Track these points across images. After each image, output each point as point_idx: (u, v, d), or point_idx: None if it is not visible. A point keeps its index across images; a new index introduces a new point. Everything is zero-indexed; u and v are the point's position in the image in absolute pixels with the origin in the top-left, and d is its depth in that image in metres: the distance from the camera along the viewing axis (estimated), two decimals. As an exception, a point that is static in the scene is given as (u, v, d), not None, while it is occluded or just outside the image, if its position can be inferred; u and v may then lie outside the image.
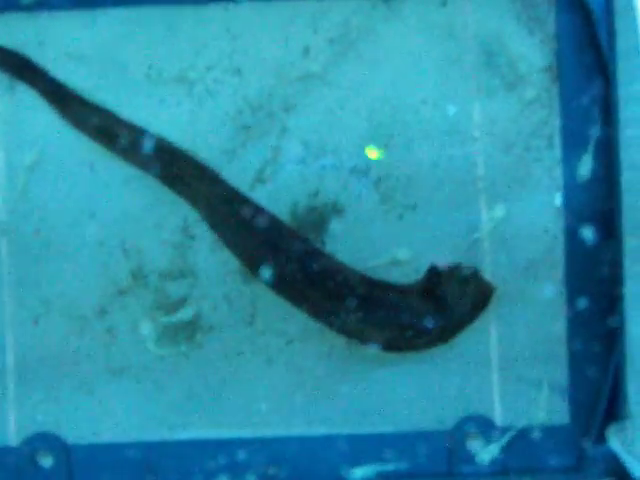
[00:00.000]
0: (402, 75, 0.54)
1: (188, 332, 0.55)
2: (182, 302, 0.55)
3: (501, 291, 0.54)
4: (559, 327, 0.55)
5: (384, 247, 0.54)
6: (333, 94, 0.54)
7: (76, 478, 0.55)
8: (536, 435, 0.54)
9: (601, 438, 0.53)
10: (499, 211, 0.55)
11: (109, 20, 0.54)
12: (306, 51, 0.54)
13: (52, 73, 0.54)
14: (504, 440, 0.54)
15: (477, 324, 0.54)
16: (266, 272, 0.52)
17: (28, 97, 0.54)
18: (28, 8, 0.54)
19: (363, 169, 0.54)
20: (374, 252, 0.54)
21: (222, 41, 0.54)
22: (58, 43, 0.54)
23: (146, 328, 0.54)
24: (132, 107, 0.54)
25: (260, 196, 0.54)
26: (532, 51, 0.54)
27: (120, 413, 0.55)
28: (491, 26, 0.54)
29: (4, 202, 0.55)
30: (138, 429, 0.55)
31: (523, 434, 0.54)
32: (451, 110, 0.54)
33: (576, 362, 0.55)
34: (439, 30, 0.54)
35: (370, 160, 0.54)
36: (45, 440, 0.55)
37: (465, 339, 0.54)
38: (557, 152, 0.54)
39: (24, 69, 0.54)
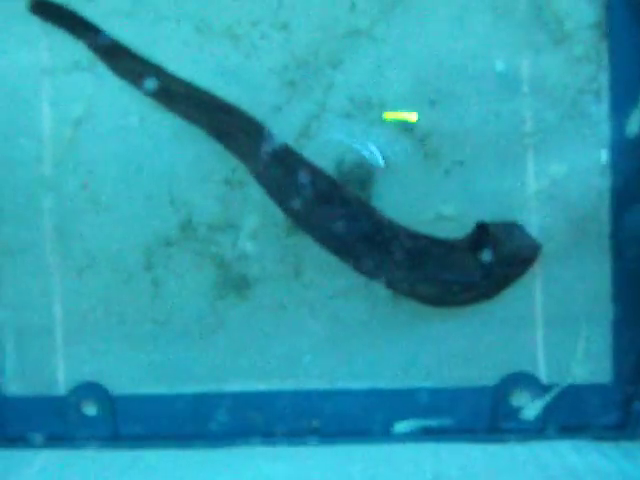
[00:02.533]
0: (449, 30, 0.54)
1: (234, 284, 0.55)
2: (228, 254, 0.55)
3: (547, 248, 0.54)
4: (604, 286, 0.54)
5: (430, 203, 0.54)
6: (380, 49, 0.54)
7: (120, 428, 0.56)
8: (581, 393, 0.54)
9: (646, 396, 0.53)
10: (546, 168, 0.54)
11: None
12: (353, 6, 0.54)
13: (102, 27, 0.54)
14: (548, 397, 0.54)
15: (522, 281, 0.54)
16: (313, 225, 0.52)
17: (76, 50, 0.55)
18: (77, -36, 0.55)
19: (409, 125, 0.54)
20: (420, 208, 0.54)
21: (268, -3, 0.55)
22: (107, -1, 0.55)
23: (192, 280, 0.55)
24: (181, 61, 0.54)
25: (306, 151, 0.54)
26: (581, 6, 0.54)
27: (165, 365, 0.56)
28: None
29: (51, 156, 0.56)
30: (183, 381, 0.56)
31: (568, 391, 0.54)
32: (499, 65, 0.54)
33: (620, 321, 0.54)
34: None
35: (416, 116, 0.54)
36: (91, 390, 0.56)
37: (510, 296, 0.54)
38: (605, 108, 0.54)
39: (75, 24, 0.54)
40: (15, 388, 0.56)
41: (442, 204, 0.54)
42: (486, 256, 0.52)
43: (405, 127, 0.54)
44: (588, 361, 0.55)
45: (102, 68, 0.55)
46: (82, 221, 0.56)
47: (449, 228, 0.54)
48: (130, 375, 0.56)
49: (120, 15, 0.55)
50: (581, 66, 0.54)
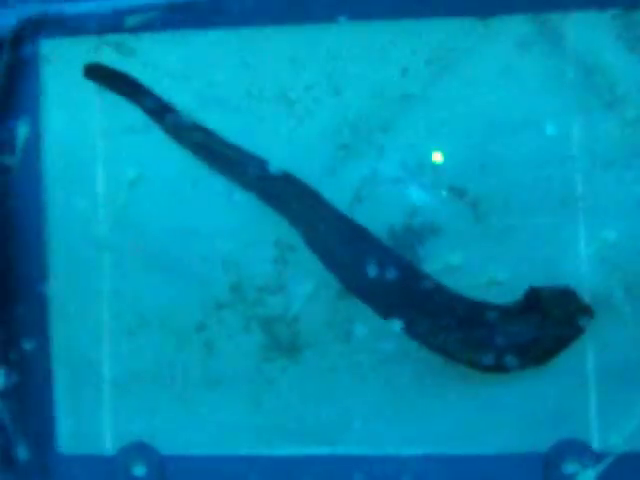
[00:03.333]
0: (500, 94, 0.54)
1: (285, 347, 0.55)
2: (279, 317, 0.55)
3: (599, 313, 0.53)
4: (658, 350, 0.54)
5: (481, 268, 0.54)
6: (431, 114, 0.55)
7: (170, 489, 0.56)
8: (634, 460, 0.54)
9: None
10: (598, 231, 0.54)
11: (209, 40, 0.56)
12: (404, 71, 0.55)
13: (156, 92, 0.56)
14: (601, 465, 0.54)
15: (574, 346, 0.53)
16: (364, 290, 0.52)
17: (132, 114, 0.56)
18: (132, 30, 0.56)
19: (460, 189, 0.54)
20: (471, 272, 0.54)
21: (322, 61, 0.55)
22: (161, 63, 0.56)
23: (243, 342, 0.55)
24: (233, 125, 0.55)
25: (358, 215, 0.54)
26: (632, 69, 0.54)
27: (215, 426, 0.56)
28: (591, 43, 0.54)
29: (106, 217, 0.57)
30: (232, 442, 0.56)
31: (621, 459, 0.53)
32: (550, 129, 0.54)
33: (676, 386, 0.54)
34: (537, 48, 0.54)
35: (468, 180, 0.54)
36: (140, 450, 0.56)
37: (562, 360, 0.53)
38: (657, 172, 0.54)
39: (130, 89, 0.56)
40: (66, 447, 0.57)
41: (494, 269, 0.54)
42: (538, 321, 0.52)
43: (457, 191, 0.55)
44: (642, 428, 0.54)
45: (156, 131, 0.56)
46: (135, 281, 0.56)
47: (501, 293, 0.54)
48: (179, 435, 0.56)
49: (173, 78, 0.56)
50: (634, 129, 0.54)
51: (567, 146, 0.54)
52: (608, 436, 0.54)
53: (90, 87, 0.56)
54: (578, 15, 0.54)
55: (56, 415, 0.57)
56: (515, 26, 0.55)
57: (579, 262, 0.54)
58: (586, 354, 0.54)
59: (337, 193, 0.54)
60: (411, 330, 0.52)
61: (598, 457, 0.54)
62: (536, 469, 0.54)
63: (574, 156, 0.54)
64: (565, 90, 0.54)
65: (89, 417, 0.57)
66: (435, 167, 0.54)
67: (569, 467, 0.54)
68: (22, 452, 0.57)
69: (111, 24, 0.56)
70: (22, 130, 0.57)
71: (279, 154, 0.55)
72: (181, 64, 0.56)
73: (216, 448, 0.56)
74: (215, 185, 0.55)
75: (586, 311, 0.53)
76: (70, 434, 0.57)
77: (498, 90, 0.54)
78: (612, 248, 0.54)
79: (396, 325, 0.52)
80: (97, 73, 0.57)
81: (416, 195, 0.55)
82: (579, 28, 0.54)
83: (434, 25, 0.55)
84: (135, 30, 0.56)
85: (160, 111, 0.55)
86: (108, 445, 0.57)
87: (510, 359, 0.52)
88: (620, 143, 0.54)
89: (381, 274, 0.52)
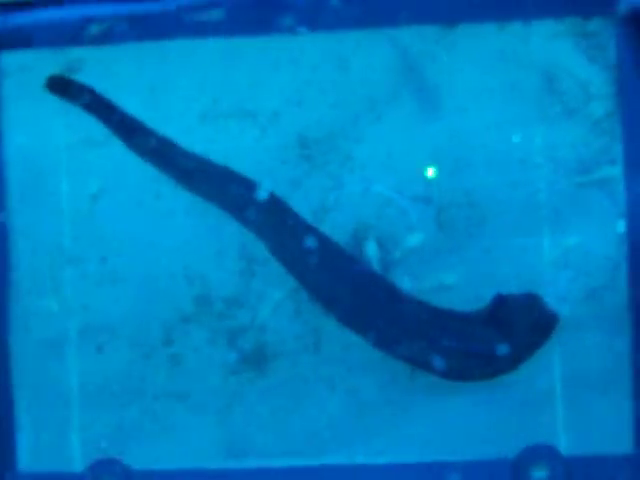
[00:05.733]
0: (463, 102, 0.55)
1: (252, 359, 0.55)
2: (246, 329, 0.55)
3: (564, 319, 0.54)
4: (623, 355, 0.54)
5: (445, 275, 0.54)
6: (394, 123, 0.55)
7: (139, 504, 0.56)
8: (601, 464, 0.54)
9: (669, 468, 0.52)
10: (561, 238, 0.55)
11: (170, 52, 0.55)
12: (367, 81, 0.55)
13: (118, 105, 0.55)
14: (569, 470, 0.54)
15: (540, 353, 0.54)
16: (329, 300, 0.52)
17: (94, 127, 0.55)
18: (93, 41, 0.56)
19: (425, 197, 0.55)
20: (435, 280, 0.54)
21: (283, 72, 0.55)
22: (122, 75, 0.56)
23: (210, 355, 0.55)
24: (196, 137, 0.55)
25: (324, 225, 0.54)
26: (593, 77, 0.54)
27: (184, 440, 0.55)
28: (551, 52, 0.54)
29: (70, 231, 0.56)
30: (202, 456, 0.55)
31: (589, 464, 0.54)
32: (513, 137, 0.54)
33: (641, 390, 0.54)
34: (500, 56, 0.55)
35: (432, 188, 0.55)
36: (109, 466, 0.56)
37: (528, 368, 0.54)
38: (619, 178, 0.54)
39: (92, 102, 0.55)
40: (29, 464, 0.56)
41: (457, 276, 0.54)
42: (504, 328, 0.53)
43: (421, 199, 0.55)
44: (609, 432, 0.54)
45: (118, 144, 0.55)
46: (100, 296, 0.56)
47: (461, 299, 0.54)
48: (148, 450, 0.56)
49: (134, 90, 0.56)
50: (595, 136, 0.55)
51: (530, 153, 0.55)
52: (576, 441, 0.55)
53: (52, 100, 0.56)
54: (539, 24, 0.55)
55: (17, 432, 0.56)
56: (478, 34, 0.55)
57: (543, 268, 0.54)
58: (552, 360, 0.54)
59: (303, 203, 0.54)
60: (377, 339, 0.53)
61: (566, 462, 0.54)
62: (505, 475, 0.55)
63: (537, 163, 0.55)
64: (527, 98, 0.55)
65: (55, 433, 0.56)
66: (399, 175, 0.55)
67: (538, 473, 0.54)
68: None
69: (72, 36, 0.55)
70: (-19, 144, 0.56)
71: (243, 165, 0.54)
72: (141, 76, 0.55)
73: (185, 462, 0.55)
74: (178, 197, 0.55)
75: (551, 317, 0.54)
76: (34, 451, 0.56)
77: (461, 98, 0.55)
78: (575, 254, 0.54)
79: (363, 334, 0.53)
80: (59, 86, 0.56)
81: (381, 203, 0.55)
82: (540, 37, 0.54)
83: (396, 34, 0.55)
84: (96, 42, 0.56)
85: (122, 124, 0.55)
86: (76, 461, 0.56)
87: (477, 366, 0.53)
88: (581, 150, 0.55)
89: (347, 283, 0.53)
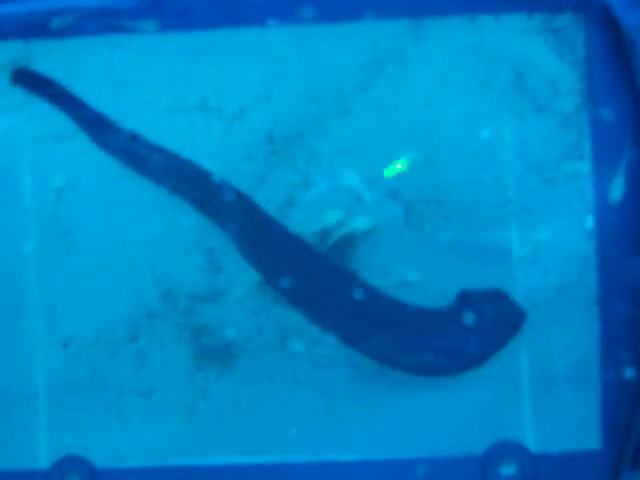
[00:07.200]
0: (432, 98, 0.54)
1: (218, 355, 0.55)
2: (212, 325, 0.55)
3: (532, 314, 0.53)
4: (592, 351, 0.54)
5: (414, 271, 0.54)
6: (362, 118, 0.54)
7: (105, 502, 0.55)
8: (569, 460, 0.54)
9: (636, 464, 0.52)
10: (530, 234, 0.54)
11: (137, 45, 0.55)
12: (335, 75, 0.54)
13: (83, 98, 0.54)
14: (537, 466, 0.54)
15: (508, 348, 0.53)
16: (295, 296, 0.52)
17: (59, 121, 0.55)
18: (59, 34, 0.55)
19: (394, 192, 0.54)
20: (404, 276, 0.54)
21: (251, 65, 0.54)
22: (88, 68, 0.55)
23: (175, 352, 0.55)
24: (163, 131, 0.54)
25: (290, 221, 0.54)
26: (562, 73, 0.54)
27: (149, 437, 0.55)
28: (520, 47, 0.54)
29: (34, 226, 0.55)
30: (167, 453, 0.55)
31: (557, 460, 0.54)
32: (482, 133, 0.54)
33: (609, 386, 0.54)
34: (469, 50, 0.54)
35: (399, 183, 0.54)
36: (74, 463, 0.55)
37: (496, 363, 0.53)
38: (588, 174, 0.54)
39: (57, 95, 0.55)
40: (-5, 462, 0.56)
41: (426, 272, 0.54)
42: (470, 324, 0.52)
43: (390, 194, 0.54)
44: (577, 428, 0.54)
45: (83, 138, 0.55)
46: (66, 292, 0.55)
47: (429, 294, 0.54)
48: (114, 448, 0.55)
49: (100, 84, 0.55)
50: (563, 132, 0.54)
51: (499, 149, 0.54)
52: (544, 437, 0.54)
53: (17, 93, 0.55)
54: (508, 18, 0.54)
55: (-19, 430, 0.56)
56: (447, 28, 0.55)
57: (511, 264, 0.54)
58: (519, 356, 0.54)
59: (268, 198, 0.54)
60: (345, 335, 0.52)
61: (534, 458, 0.54)
62: (474, 472, 0.54)
63: (506, 159, 0.54)
64: (496, 94, 0.54)
65: (20, 431, 0.55)
66: (368, 171, 0.54)
67: (506, 469, 0.54)
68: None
69: (37, 28, 0.55)
70: (-54, 138, 0.56)
71: (209, 160, 0.54)
72: (108, 69, 0.55)
73: (151, 459, 0.55)
74: (144, 192, 0.54)
75: (518, 313, 0.53)
76: (1, 449, 0.56)
77: (430, 93, 0.54)
78: (543, 250, 0.54)
79: (330, 330, 0.52)
80: (24, 79, 0.55)
81: (348, 199, 0.54)
82: (509, 31, 0.54)
83: (365, 28, 0.55)
84: (62, 34, 0.55)
85: (87, 117, 0.54)
86: (41, 459, 0.56)
87: (444, 362, 0.53)
88: (550, 146, 0.54)
89: (314, 280, 0.52)
